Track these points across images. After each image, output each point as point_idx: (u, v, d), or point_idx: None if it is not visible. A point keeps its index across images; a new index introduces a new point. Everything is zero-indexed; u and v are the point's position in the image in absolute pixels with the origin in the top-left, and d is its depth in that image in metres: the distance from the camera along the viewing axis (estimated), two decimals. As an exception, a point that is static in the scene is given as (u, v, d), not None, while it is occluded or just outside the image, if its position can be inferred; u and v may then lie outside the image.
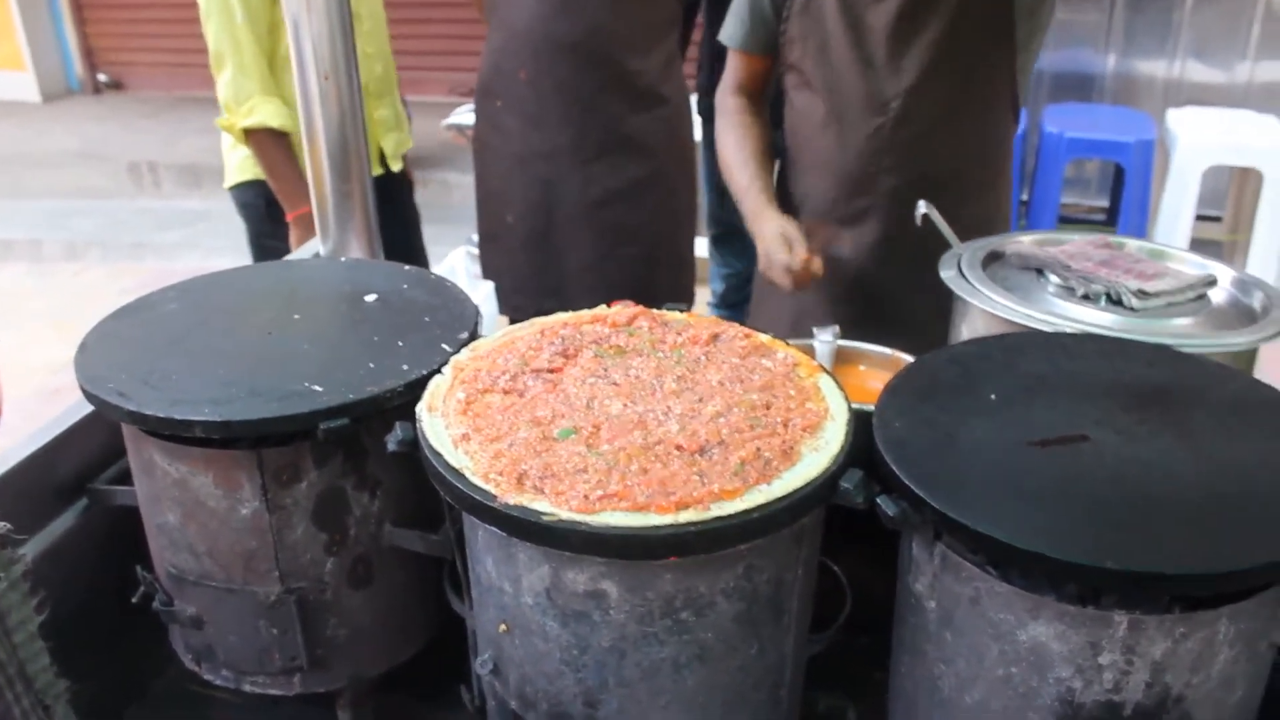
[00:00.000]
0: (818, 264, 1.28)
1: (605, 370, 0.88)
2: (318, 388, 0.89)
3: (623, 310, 0.99)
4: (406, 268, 1.18)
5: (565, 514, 0.70)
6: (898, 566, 0.80)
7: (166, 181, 4.83)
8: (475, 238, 2.18)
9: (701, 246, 2.70)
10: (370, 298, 1.10)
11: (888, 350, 1.20)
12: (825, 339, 1.22)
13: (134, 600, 0.99)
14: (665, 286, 2.03)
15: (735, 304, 3.07)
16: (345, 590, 0.96)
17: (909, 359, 1.10)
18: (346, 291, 1.12)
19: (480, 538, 0.79)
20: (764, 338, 0.95)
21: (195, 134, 5.14)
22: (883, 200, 1.35)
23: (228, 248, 3.76)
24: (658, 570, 0.72)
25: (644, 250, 1.99)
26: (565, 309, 0.99)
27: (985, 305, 1.05)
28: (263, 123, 1.76)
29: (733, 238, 3.04)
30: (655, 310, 1.00)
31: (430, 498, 0.90)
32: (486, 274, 2.11)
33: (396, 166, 2.05)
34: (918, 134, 1.32)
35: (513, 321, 1.01)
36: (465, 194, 2.66)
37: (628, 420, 0.80)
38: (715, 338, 0.94)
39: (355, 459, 0.94)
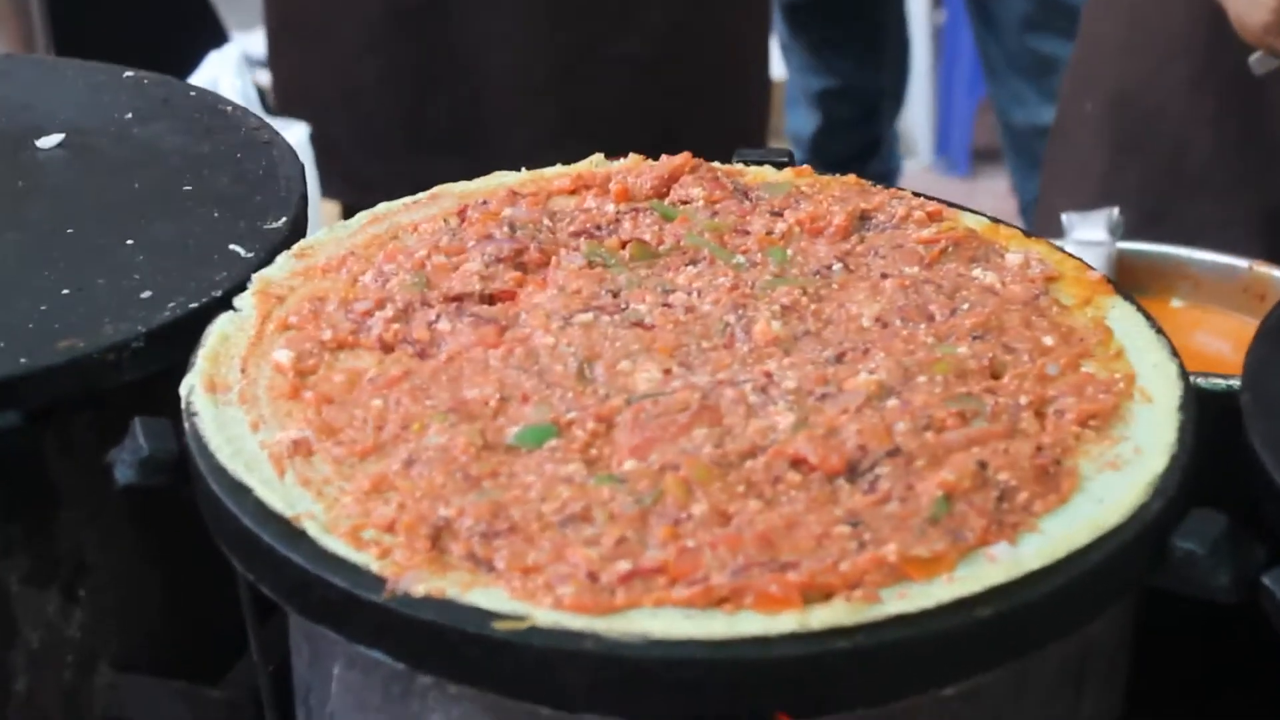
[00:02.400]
0: None
1: (615, 295, 0.90)
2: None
3: (644, 165, 1.01)
4: (129, 74, 1.23)
5: (546, 615, 0.70)
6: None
7: None
8: (261, 30, 2.24)
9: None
10: (49, 142, 1.14)
11: (1236, 261, 1.26)
12: (1092, 233, 1.27)
13: None
14: (710, 121, 2.10)
15: (851, 159, 3.12)
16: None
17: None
18: None
19: (341, 682, 0.80)
20: (973, 220, 0.97)
21: None
22: None
23: None
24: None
25: (658, 41, 2.06)
26: (479, 176, 1.03)
27: None
28: None
29: (839, 8, 3.07)
30: (718, 164, 1.02)
31: (210, 596, 0.90)
32: (285, 104, 2.17)
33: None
34: None
35: (353, 211, 1.04)
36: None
37: (676, 405, 0.80)
38: (864, 218, 0.96)
39: (28, 510, 0.95)
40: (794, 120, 3.31)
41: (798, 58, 3.23)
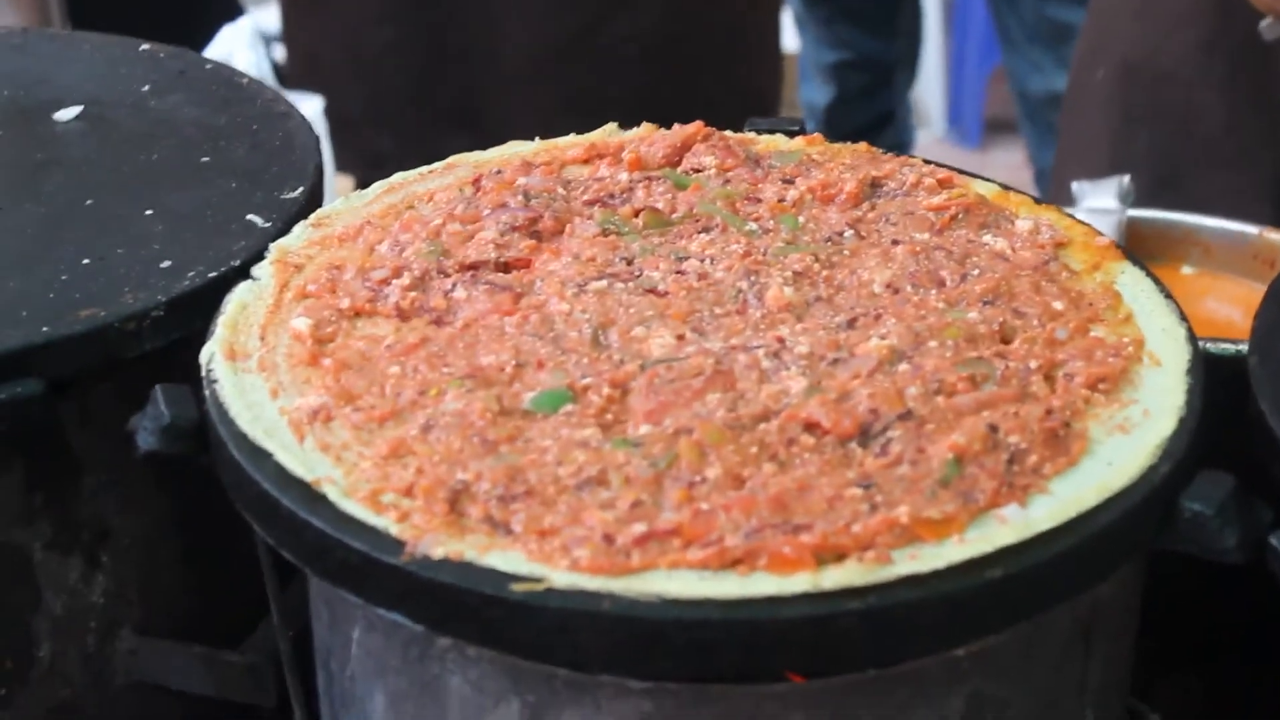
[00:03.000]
0: None
1: (629, 262, 0.90)
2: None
3: (656, 135, 1.01)
4: (145, 47, 1.23)
5: (563, 577, 0.70)
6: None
7: None
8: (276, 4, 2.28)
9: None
10: (67, 114, 1.14)
11: (1246, 227, 1.27)
12: (1102, 201, 1.27)
13: None
14: (721, 94, 2.11)
15: (861, 132, 3.11)
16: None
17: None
18: (14, 101, 1.16)
19: (361, 646, 0.80)
20: (983, 187, 0.98)
21: None
22: None
23: None
24: (770, 706, 0.73)
25: (668, 15, 2.07)
26: (487, 147, 1.03)
27: None
28: None
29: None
30: (731, 133, 1.02)
31: (231, 562, 0.91)
32: (300, 76, 2.18)
33: None
34: None
35: (367, 184, 1.04)
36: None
37: (690, 370, 0.81)
38: (875, 186, 0.96)
39: (51, 478, 0.95)
40: (807, 93, 3.31)
41: (811, 30, 3.22)
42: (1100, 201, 1.28)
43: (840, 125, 3.18)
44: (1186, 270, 1.27)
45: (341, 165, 2.13)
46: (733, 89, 2.16)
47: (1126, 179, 1.29)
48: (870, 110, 3.27)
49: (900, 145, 3.34)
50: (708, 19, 2.13)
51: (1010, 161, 3.51)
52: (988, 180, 0.98)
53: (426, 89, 2.09)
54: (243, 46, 2.19)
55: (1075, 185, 1.31)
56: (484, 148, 1.03)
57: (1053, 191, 1.85)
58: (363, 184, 1.91)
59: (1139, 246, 1.26)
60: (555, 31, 2.04)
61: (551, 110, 2.00)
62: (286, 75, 2.23)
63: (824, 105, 3.25)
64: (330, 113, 2.06)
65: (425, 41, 2.07)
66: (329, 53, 2.16)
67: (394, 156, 2.02)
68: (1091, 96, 1.72)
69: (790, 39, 3.08)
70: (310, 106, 2.01)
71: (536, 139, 1.03)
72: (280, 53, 2.30)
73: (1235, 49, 1.53)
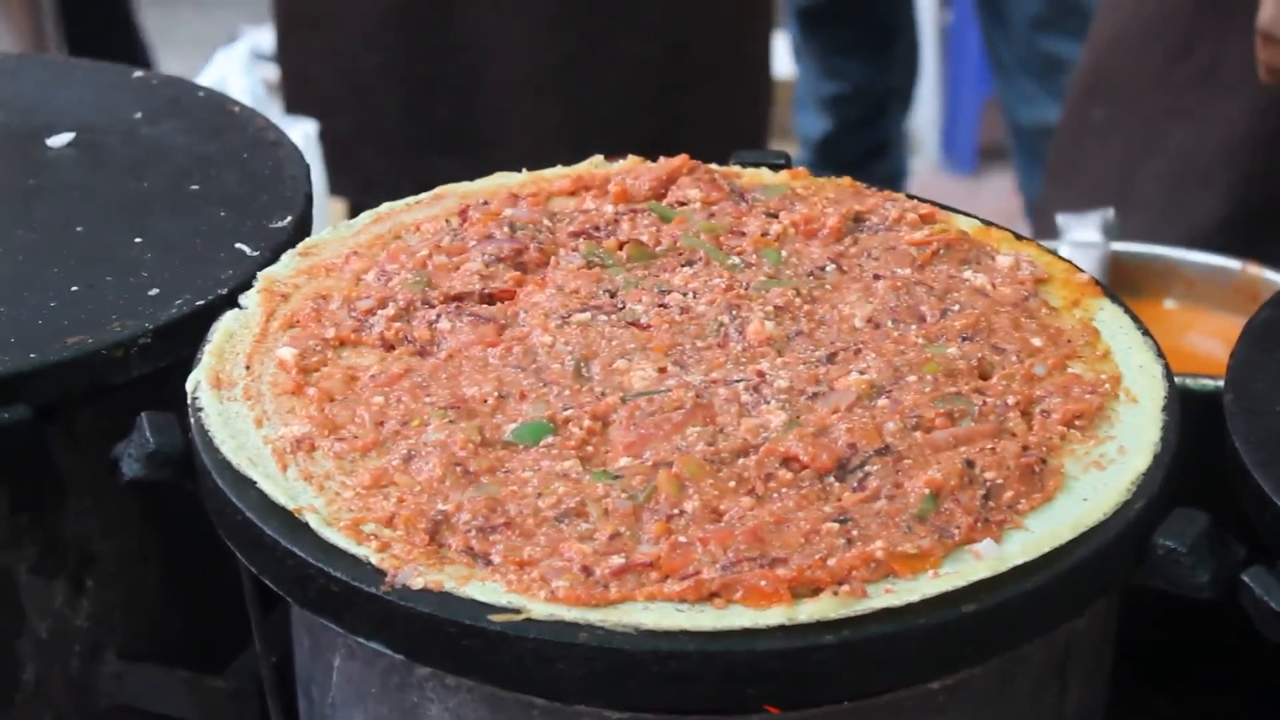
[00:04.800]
0: None
1: (612, 295, 0.91)
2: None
3: (642, 167, 1.01)
4: (138, 74, 1.23)
5: (541, 608, 0.71)
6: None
7: None
8: (271, 26, 2.26)
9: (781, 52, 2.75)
10: (59, 141, 1.14)
11: (1228, 262, 1.27)
12: (1086, 234, 1.27)
13: None
14: (712, 121, 2.10)
15: (856, 162, 3.12)
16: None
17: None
18: (6, 127, 1.16)
19: (341, 673, 0.80)
20: (965, 223, 0.98)
21: None
22: None
23: None
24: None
25: (662, 41, 2.07)
26: (482, 175, 1.03)
27: None
28: None
29: (850, 10, 3.07)
30: (715, 166, 1.02)
31: (215, 587, 0.91)
32: (294, 99, 2.17)
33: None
34: None
35: (360, 208, 1.04)
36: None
37: (670, 403, 0.81)
38: (857, 220, 0.96)
39: (37, 502, 0.95)
40: (803, 123, 3.30)
41: (809, 63, 3.22)
42: (1084, 235, 1.27)
43: (836, 155, 3.18)
44: (1169, 304, 1.27)
45: (335, 189, 2.12)
46: (724, 114, 2.15)
47: (1111, 213, 1.29)
48: (866, 140, 3.26)
49: (895, 174, 3.34)
50: (699, 44, 2.12)
51: (1003, 189, 3.50)
52: (970, 215, 0.99)
53: (418, 112, 2.09)
54: (237, 71, 2.18)
55: (1060, 218, 1.31)
56: (475, 173, 1.03)
57: (1042, 221, 1.85)
58: (357, 208, 1.92)
59: (1123, 280, 1.26)
60: (548, 56, 2.03)
61: (542, 137, 2.00)
62: (283, 97, 2.22)
63: (820, 136, 3.24)
64: (324, 136, 2.04)
65: (416, 64, 2.06)
66: (322, 73, 2.15)
67: (387, 179, 2.03)
68: (1085, 132, 1.72)
69: (783, 65, 3.08)
70: (304, 131, 2.00)
71: (524, 169, 1.03)
72: (276, 74, 2.28)
73: (1228, 86, 1.54)
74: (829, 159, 3.16)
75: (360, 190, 2.10)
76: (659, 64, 2.06)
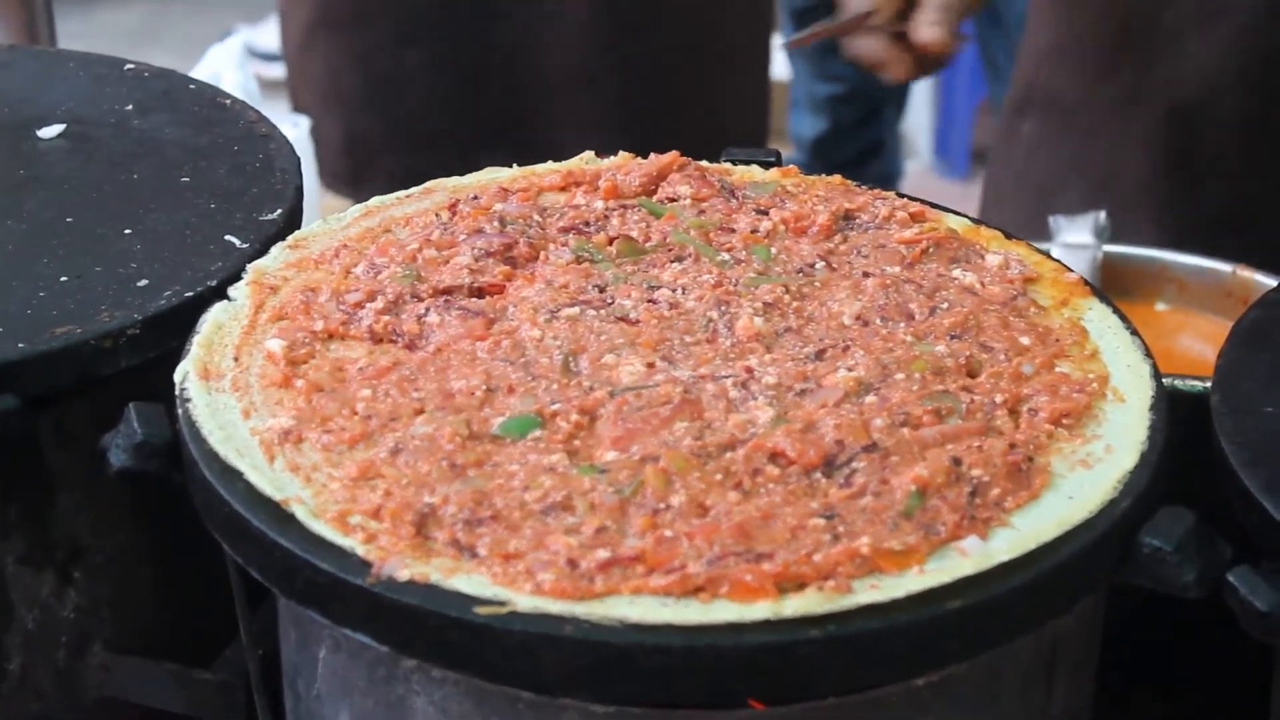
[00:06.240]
0: (931, 30, 1.36)
1: (601, 290, 0.91)
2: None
3: (632, 163, 1.02)
4: (129, 66, 1.23)
5: (526, 601, 0.71)
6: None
7: None
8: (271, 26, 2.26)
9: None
10: (50, 132, 1.14)
11: (1219, 265, 1.27)
12: (1079, 238, 1.28)
13: None
14: (708, 120, 2.11)
15: (851, 163, 3.13)
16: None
17: (1272, 283, 1.16)
18: None
19: (327, 666, 0.80)
20: (955, 221, 0.99)
21: None
22: None
23: None
24: (730, 734, 0.73)
25: (656, 42, 2.06)
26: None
27: None
28: None
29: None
30: (706, 163, 1.03)
31: (203, 580, 0.91)
32: (317, 99, 2.16)
33: None
34: None
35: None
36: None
37: (658, 398, 0.82)
38: (847, 218, 0.97)
39: (25, 493, 0.96)
40: (798, 124, 3.31)
41: (804, 64, 3.23)
42: (1076, 237, 1.28)
43: (830, 156, 3.18)
44: (1161, 306, 1.28)
45: (328, 182, 2.13)
46: (720, 115, 2.15)
47: (1103, 215, 1.29)
48: (860, 141, 3.27)
49: (888, 175, 3.34)
50: (695, 45, 2.12)
51: (997, 192, 3.51)
52: (960, 214, 0.99)
53: (460, 108, 2.08)
54: (230, 66, 2.19)
55: (1052, 220, 1.32)
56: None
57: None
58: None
59: (1114, 282, 1.27)
60: (588, 48, 2.02)
61: (585, 127, 1.99)
62: (296, 96, 2.21)
63: (815, 137, 3.25)
64: (345, 134, 2.05)
65: (461, 61, 2.05)
66: (351, 75, 2.12)
67: (420, 178, 2.02)
68: (1020, 146, 1.72)
69: (778, 66, 3.08)
70: (296, 128, 2.02)
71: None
72: (268, 71, 2.27)
73: (1155, 102, 1.55)
74: (823, 159, 3.16)
75: (386, 190, 2.09)
76: (659, 68, 2.07)
